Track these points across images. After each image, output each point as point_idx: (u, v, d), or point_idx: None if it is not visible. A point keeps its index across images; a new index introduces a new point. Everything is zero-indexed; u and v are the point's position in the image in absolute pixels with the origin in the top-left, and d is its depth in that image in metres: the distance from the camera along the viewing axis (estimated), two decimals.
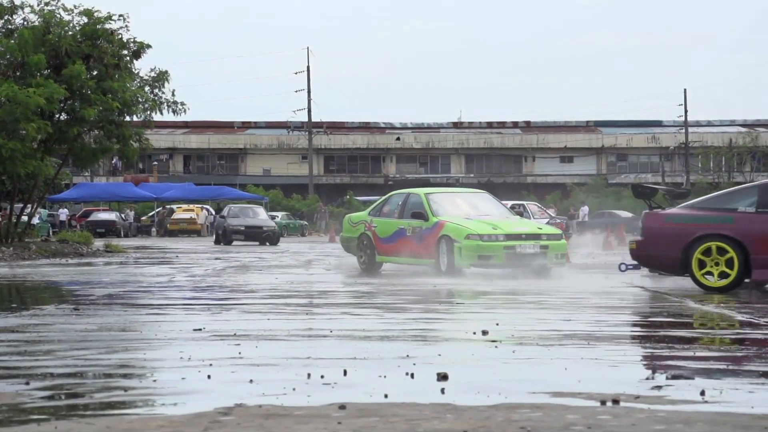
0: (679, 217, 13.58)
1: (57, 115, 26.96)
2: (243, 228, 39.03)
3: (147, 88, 27.94)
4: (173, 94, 28.14)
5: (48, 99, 24.58)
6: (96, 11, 27.28)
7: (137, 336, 8.31)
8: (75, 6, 27.40)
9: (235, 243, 38.81)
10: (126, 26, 27.52)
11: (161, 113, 28.21)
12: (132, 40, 27.73)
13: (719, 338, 8.16)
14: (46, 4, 27.18)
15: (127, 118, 27.72)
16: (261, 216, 40.78)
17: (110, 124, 27.12)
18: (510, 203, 30.83)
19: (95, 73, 27.07)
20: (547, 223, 27.60)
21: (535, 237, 16.75)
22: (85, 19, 27.19)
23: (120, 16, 27.42)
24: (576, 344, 7.58)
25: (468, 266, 16.74)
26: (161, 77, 27.97)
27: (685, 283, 14.55)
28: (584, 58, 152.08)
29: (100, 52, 26.88)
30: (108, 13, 27.31)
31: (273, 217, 43.42)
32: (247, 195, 63.68)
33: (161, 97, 27.95)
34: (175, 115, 28.42)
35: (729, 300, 11.82)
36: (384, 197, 19.34)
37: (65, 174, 37.02)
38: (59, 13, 27.16)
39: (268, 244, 38.44)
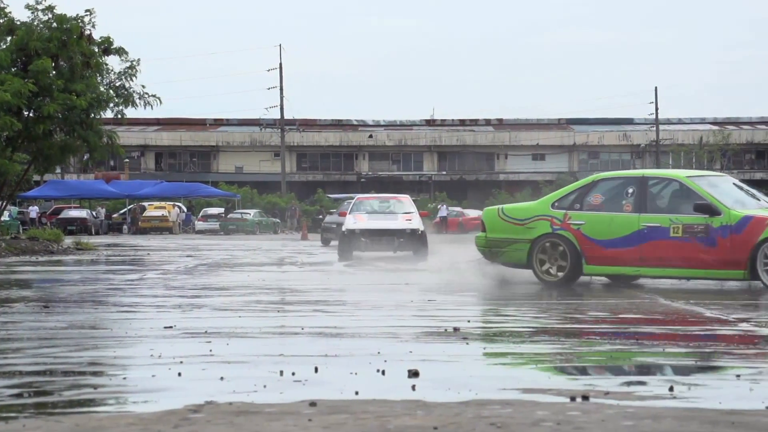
0: None
1: (26, 113, 26.79)
2: (334, 226, 31.54)
3: (119, 83, 27.83)
4: (143, 88, 28.06)
5: (14, 94, 24.41)
6: (64, 15, 27.06)
7: (107, 334, 8.27)
8: (38, 1, 27.19)
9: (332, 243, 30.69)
10: (93, 23, 27.37)
11: (134, 107, 28.08)
12: (106, 39, 27.56)
13: (688, 334, 8.22)
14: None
15: (96, 116, 27.56)
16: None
17: (78, 124, 26.93)
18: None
19: (64, 71, 26.88)
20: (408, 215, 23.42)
21: None
22: (50, 15, 27.01)
23: (87, 11, 27.28)
24: (546, 340, 7.61)
25: None
26: (133, 67, 27.85)
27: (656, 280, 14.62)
28: (556, 56, 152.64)
29: (69, 52, 26.73)
30: (77, 14, 27.16)
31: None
32: (219, 192, 63.54)
33: (132, 90, 27.83)
34: (147, 108, 28.27)
35: (698, 297, 11.89)
36: (579, 183, 14.42)
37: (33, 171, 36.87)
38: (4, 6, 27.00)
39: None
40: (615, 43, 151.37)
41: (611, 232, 13.39)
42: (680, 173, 13.92)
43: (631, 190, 13.47)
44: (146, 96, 27.87)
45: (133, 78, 27.79)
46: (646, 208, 13.30)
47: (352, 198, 28.96)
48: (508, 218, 14.24)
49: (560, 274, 13.61)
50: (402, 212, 23.59)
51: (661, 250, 13.03)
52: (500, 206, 14.85)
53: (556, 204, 13.94)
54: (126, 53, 27.70)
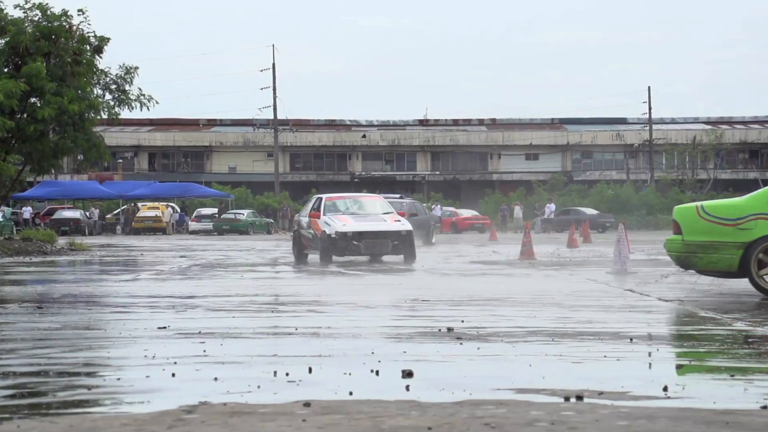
0: None
1: (19, 115, 26.75)
2: None
3: (114, 86, 27.88)
4: (140, 90, 28.13)
5: (7, 94, 24.39)
6: (52, 8, 27.13)
7: (101, 334, 8.26)
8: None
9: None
10: (85, 19, 27.42)
11: (130, 109, 28.12)
12: (92, 34, 27.62)
13: (682, 334, 8.23)
14: None
15: (89, 118, 27.57)
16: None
17: (70, 126, 26.91)
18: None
19: (55, 72, 26.86)
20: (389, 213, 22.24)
21: None
22: (39, 13, 27.01)
23: (79, 10, 27.32)
24: (540, 341, 7.62)
25: None
26: (130, 72, 27.90)
27: (648, 279, 14.63)
28: (549, 55, 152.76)
29: (59, 49, 26.72)
30: (63, 10, 27.18)
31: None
32: (212, 192, 63.44)
33: (129, 93, 27.88)
34: (143, 109, 28.30)
35: (693, 296, 11.90)
36: None
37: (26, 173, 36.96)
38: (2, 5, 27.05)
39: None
40: (608, 43, 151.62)
41: None
42: None
43: None
44: (142, 97, 27.93)
45: (131, 83, 27.89)
46: None
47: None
48: (713, 218, 12.02)
49: None
50: (382, 212, 22.08)
51: None
52: (699, 204, 12.48)
53: None
54: (108, 40, 27.72)
